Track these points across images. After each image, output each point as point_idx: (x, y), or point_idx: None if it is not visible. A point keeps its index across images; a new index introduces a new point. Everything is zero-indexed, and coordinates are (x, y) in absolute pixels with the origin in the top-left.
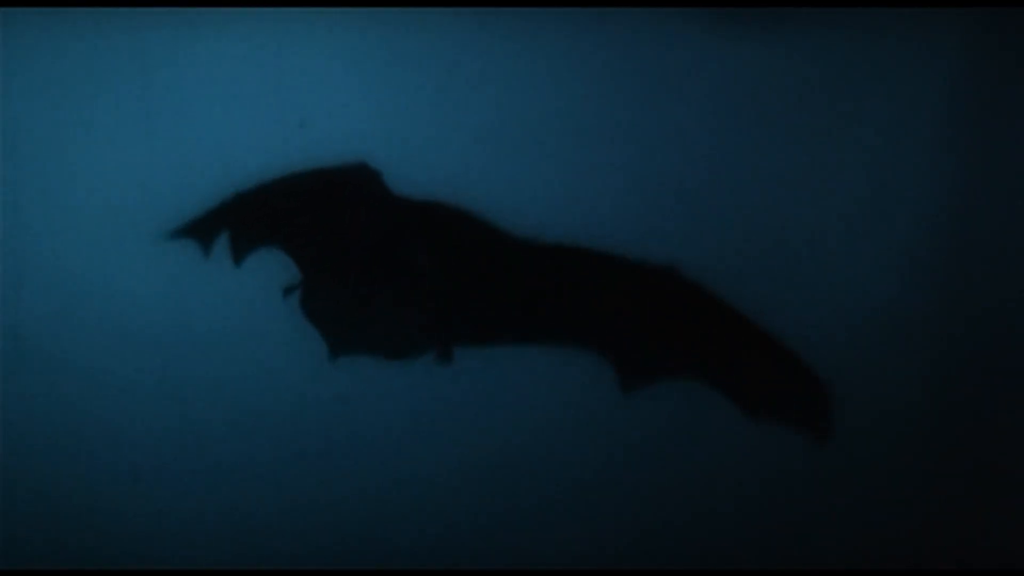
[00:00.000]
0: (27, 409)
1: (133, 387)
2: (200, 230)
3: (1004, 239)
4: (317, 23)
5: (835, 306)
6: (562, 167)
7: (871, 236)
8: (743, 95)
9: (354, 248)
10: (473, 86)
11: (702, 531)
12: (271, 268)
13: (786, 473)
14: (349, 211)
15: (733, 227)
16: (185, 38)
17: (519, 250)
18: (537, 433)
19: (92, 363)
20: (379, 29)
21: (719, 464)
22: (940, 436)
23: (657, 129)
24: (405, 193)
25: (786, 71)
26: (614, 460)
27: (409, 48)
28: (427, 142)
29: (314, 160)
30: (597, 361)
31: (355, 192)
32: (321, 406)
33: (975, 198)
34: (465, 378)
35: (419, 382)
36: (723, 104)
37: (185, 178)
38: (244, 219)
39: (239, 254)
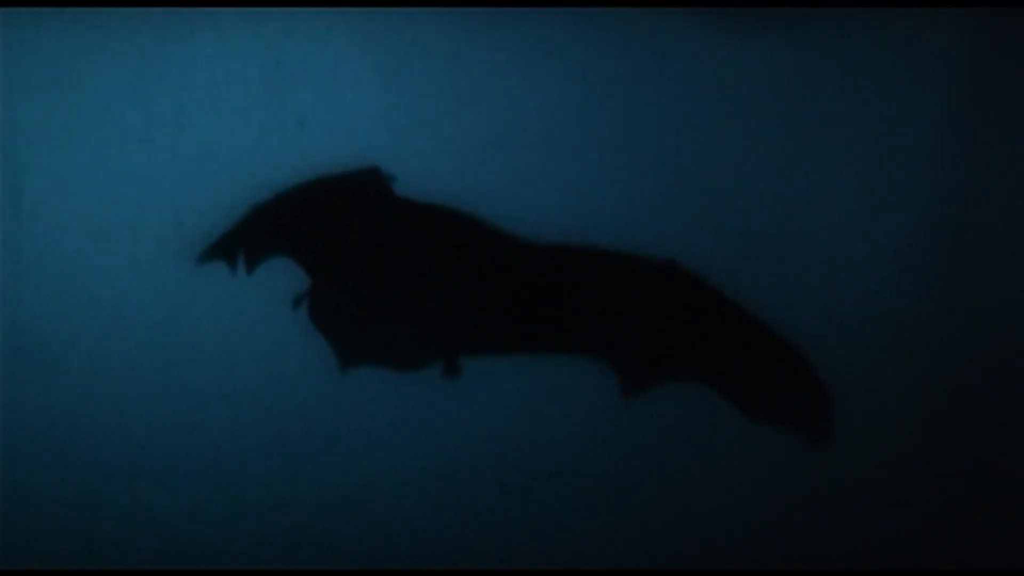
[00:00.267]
0: (27, 408)
1: (133, 386)
2: (226, 249)
3: (1004, 239)
4: (317, 23)
5: (835, 306)
6: (562, 167)
7: (871, 236)
8: (743, 95)
9: (361, 256)
10: (473, 86)
11: (702, 532)
12: (271, 268)
13: (786, 473)
14: (357, 218)
15: (732, 227)
16: (185, 38)
17: (520, 252)
18: (538, 435)
19: (92, 362)
20: (379, 29)
21: (719, 466)
22: (940, 436)
23: (658, 130)
24: (406, 193)
25: (786, 71)
26: (615, 462)
27: (409, 48)
28: (427, 142)
29: (314, 160)
30: (598, 365)
31: (363, 198)
32: (322, 407)
33: (975, 198)
34: (467, 380)
35: (420, 384)
36: (723, 104)
37: (185, 177)
38: (258, 231)
39: (252, 265)
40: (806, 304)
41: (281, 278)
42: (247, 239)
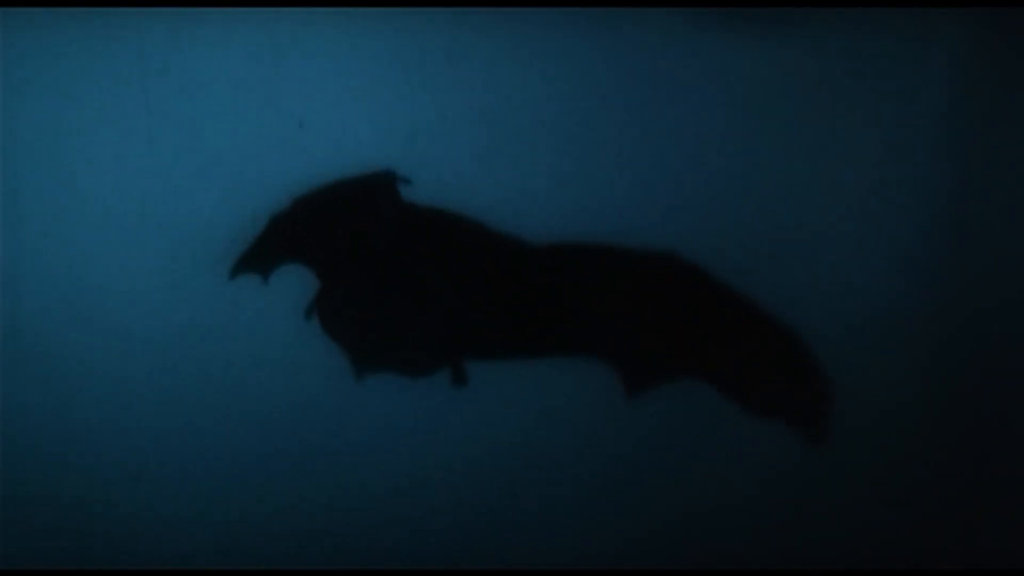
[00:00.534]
0: (27, 409)
1: (133, 387)
2: (254, 262)
3: (1004, 239)
4: (317, 24)
5: (834, 306)
6: (561, 167)
7: (871, 236)
8: (743, 95)
9: (371, 262)
10: (473, 86)
11: (701, 532)
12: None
13: (786, 474)
14: (367, 224)
15: (732, 227)
16: (185, 38)
17: (521, 255)
18: (541, 438)
19: (92, 363)
20: (379, 29)
21: (718, 466)
22: (940, 436)
23: (658, 130)
24: (406, 193)
25: (786, 71)
26: (619, 464)
27: (409, 48)
28: (427, 142)
29: (314, 161)
30: (600, 367)
31: (372, 204)
32: (324, 407)
33: (975, 197)
34: (470, 384)
35: (423, 387)
36: (723, 104)
37: (185, 178)
38: (274, 238)
39: (267, 272)
40: (806, 303)
41: (284, 280)
42: (266, 248)
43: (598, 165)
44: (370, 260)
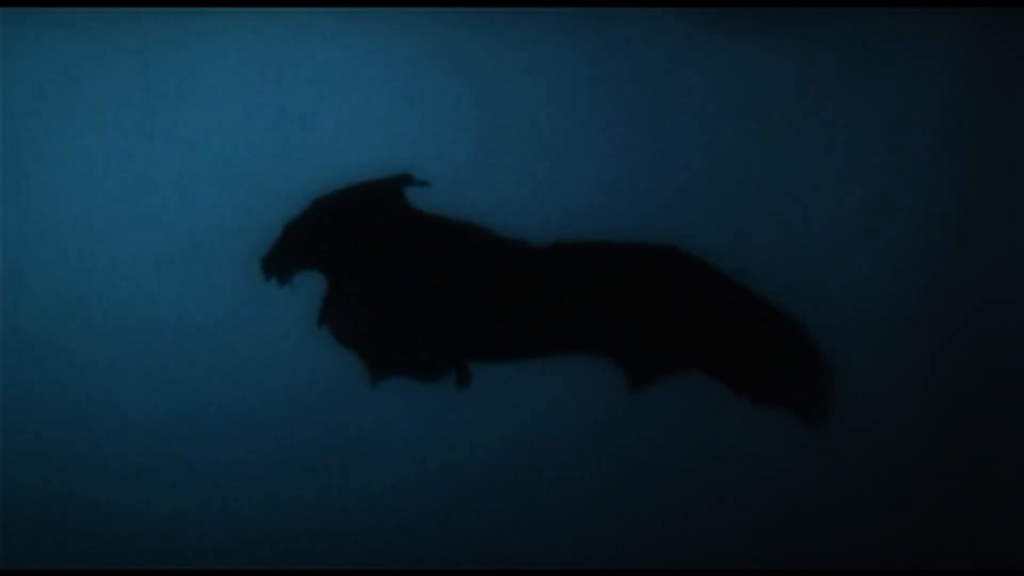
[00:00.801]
0: (27, 408)
1: (133, 387)
2: (275, 267)
3: (1004, 239)
4: (317, 24)
5: (835, 305)
6: (561, 167)
7: (871, 235)
8: (744, 96)
9: (380, 265)
10: (473, 85)
11: (702, 531)
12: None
13: (786, 473)
14: (377, 229)
15: (732, 227)
16: (186, 38)
17: (524, 255)
18: (540, 435)
19: (92, 363)
20: (379, 29)
21: (719, 466)
22: (940, 436)
23: (658, 131)
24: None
25: (787, 71)
26: (617, 463)
27: (410, 48)
28: (428, 141)
29: (314, 160)
30: (604, 363)
31: (381, 209)
32: (325, 407)
33: (975, 197)
34: (474, 384)
35: (427, 388)
36: (723, 105)
37: (186, 177)
38: (292, 244)
39: (284, 278)
40: (806, 303)
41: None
42: (285, 254)
43: (599, 165)
44: (379, 264)
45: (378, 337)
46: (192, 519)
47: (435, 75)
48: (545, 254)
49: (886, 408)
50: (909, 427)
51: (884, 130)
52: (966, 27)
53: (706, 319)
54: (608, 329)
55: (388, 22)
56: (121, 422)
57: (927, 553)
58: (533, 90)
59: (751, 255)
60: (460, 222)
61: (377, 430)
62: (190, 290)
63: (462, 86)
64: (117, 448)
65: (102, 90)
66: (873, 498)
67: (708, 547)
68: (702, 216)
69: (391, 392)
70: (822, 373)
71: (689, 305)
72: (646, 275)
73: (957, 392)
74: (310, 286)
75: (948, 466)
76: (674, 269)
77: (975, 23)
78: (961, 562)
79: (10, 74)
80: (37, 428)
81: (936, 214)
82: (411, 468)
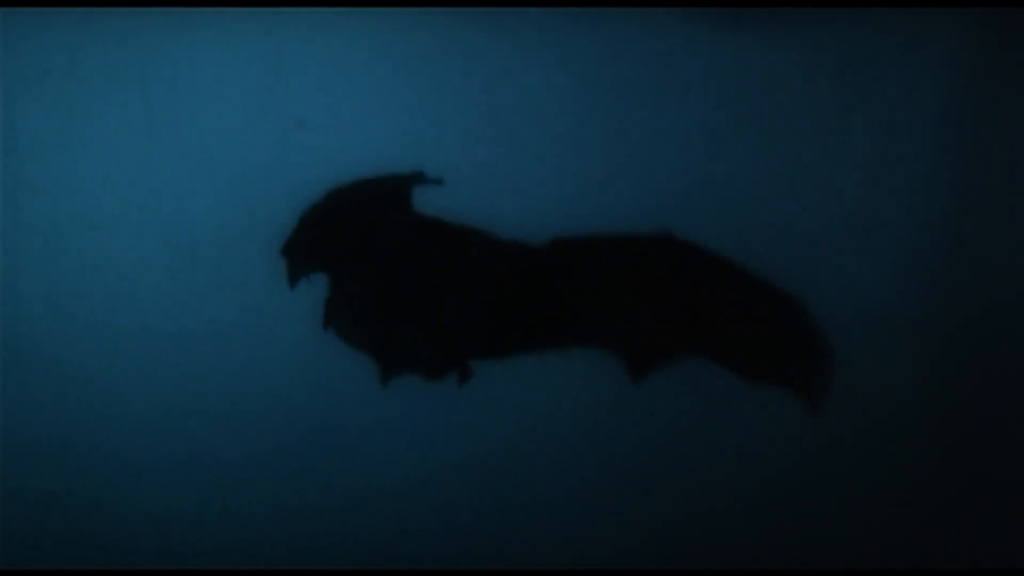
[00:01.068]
0: (27, 408)
1: (133, 387)
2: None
3: (1004, 239)
4: (317, 24)
5: (835, 305)
6: (562, 166)
7: (871, 235)
8: (744, 95)
9: (382, 264)
10: (473, 85)
11: (702, 531)
12: (270, 267)
13: (786, 473)
14: (379, 229)
15: (732, 227)
16: (185, 38)
17: (524, 253)
18: (540, 434)
19: (92, 363)
20: (379, 29)
21: (719, 466)
22: (940, 436)
23: (658, 130)
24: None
25: (786, 70)
26: (618, 463)
27: (409, 48)
28: (427, 141)
29: (313, 160)
30: (602, 360)
31: (384, 208)
32: (325, 406)
33: (975, 197)
34: (474, 381)
35: (427, 385)
36: (723, 105)
37: (185, 177)
38: (298, 247)
39: (294, 280)
40: (807, 303)
41: (284, 280)
42: (290, 254)
43: (599, 164)
44: (382, 263)
45: (379, 337)
46: (192, 519)
47: (435, 75)
48: (544, 249)
49: (886, 408)
50: (909, 427)
51: (884, 130)
52: (966, 27)
53: (704, 301)
54: (609, 320)
55: (388, 22)
56: (121, 422)
57: (927, 553)
58: (534, 90)
59: (751, 255)
60: (458, 223)
61: (377, 430)
62: (190, 290)
63: (463, 87)
64: (117, 448)
65: (101, 90)
66: (873, 498)
67: (708, 547)
68: (702, 216)
69: (391, 392)
70: (821, 351)
71: (687, 291)
72: (643, 263)
73: (957, 392)
74: (310, 286)
75: (948, 466)
76: (670, 255)
77: (975, 23)
78: (961, 562)
79: (10, 74)
80: (36, 428)
81: (936, 214)
82: (412, 467)
